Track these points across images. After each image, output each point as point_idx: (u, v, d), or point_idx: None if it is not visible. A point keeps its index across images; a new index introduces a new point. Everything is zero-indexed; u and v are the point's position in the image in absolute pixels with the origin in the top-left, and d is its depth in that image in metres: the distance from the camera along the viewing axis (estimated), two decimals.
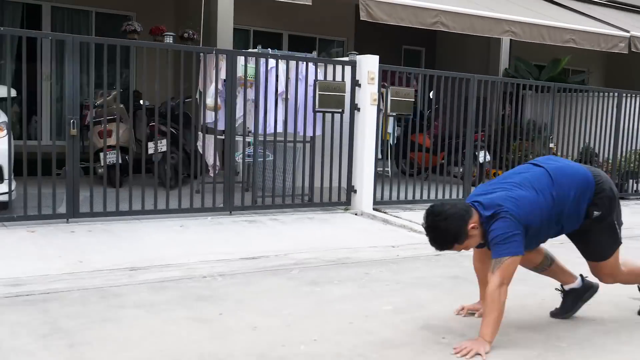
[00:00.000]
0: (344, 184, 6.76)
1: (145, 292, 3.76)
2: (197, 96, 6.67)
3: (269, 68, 6.34)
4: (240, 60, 6.30)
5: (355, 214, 6.69)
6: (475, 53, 12.07)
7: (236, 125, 6.31)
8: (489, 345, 2.88)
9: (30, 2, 9.33)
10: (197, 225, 5.69)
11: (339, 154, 6.65)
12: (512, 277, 2.92)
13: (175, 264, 4.42)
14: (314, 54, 7.09)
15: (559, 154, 8.58)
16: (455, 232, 2.89)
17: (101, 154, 7.17)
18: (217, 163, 6.97)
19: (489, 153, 8.55)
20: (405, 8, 7.50)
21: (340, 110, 6.56)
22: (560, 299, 3.45)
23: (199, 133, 6.64)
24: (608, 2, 12.21)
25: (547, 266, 3.37)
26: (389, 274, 4.43)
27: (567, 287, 3.42)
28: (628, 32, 9.62)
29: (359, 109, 6.69)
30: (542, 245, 3.26)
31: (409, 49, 13.03)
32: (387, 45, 11.67)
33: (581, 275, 3.45)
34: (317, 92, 6.40)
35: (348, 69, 6.63)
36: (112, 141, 6.85)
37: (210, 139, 6.75)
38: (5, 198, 5.31)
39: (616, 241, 3.23)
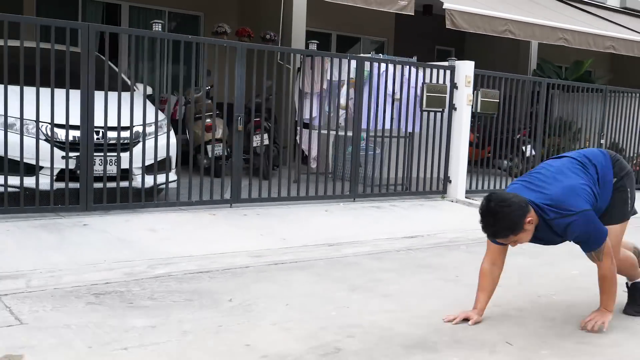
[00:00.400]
0: (441, 175, 7.78)
1: (374, 261, 4.71)
2: (296, 95, 7.50)
3: (381, 72, 7.28)
4: (352, 63, 7.18)
5: (452, 201, 7.73)
6: (505, 54, 13.20)
7: (341, 122, 7.25)
8: (610, 314, 3.22)
9: (111, 1, 9.99)
10: (336, 209, 6.62)
11: (438, 148, 7.66)
12: (616, 249, 3.20)
13: (360, 241, 5.35)
14: (415, 58, 8.04)
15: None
16: (515, 221, 2.93)
17: (208, 147, 8.02)
18: (316, 155, 7.91)
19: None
20: (482, 18, 8.55)
21: (441, 109, 7.58)
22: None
23: (298, 128, 7.40)
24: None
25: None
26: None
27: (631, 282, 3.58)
28: None
29: (455, 109, 7.72)
30: None
31: (441, 49, 14.12)
32: (422, 44, 12.77)
33: None
34: (425, 94, 7.40)
35: (447, 72, 7.63)
36: (217, 135, 7.72)
37: (312, 134, 7.62)
38: (173, 185, 6.12)
39: (624, 212, 3.33)
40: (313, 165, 7.78)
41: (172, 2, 10.35)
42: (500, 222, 2.94)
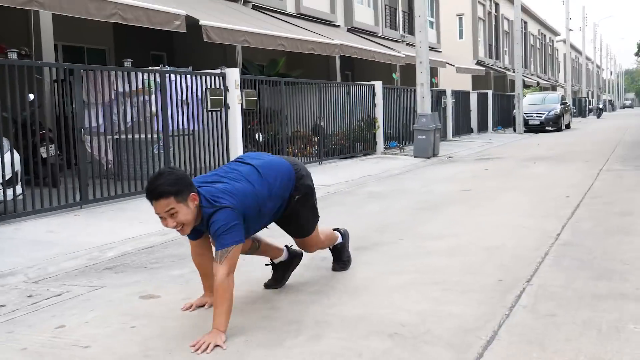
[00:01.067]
0: (223, 162, 9.77)
1: None
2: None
3: (171, 81, 8.90)
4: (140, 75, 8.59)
5: None
6: (213, 56, 15.50)
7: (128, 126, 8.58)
8: (224, 334, 2.98)
9: None
10: None
11: (221, 139, 9.62)
12: (236, 265, 3.11)
13: None
14: (190, 68, 9.72)
15: (300, 132, 12.70)
16: (180, 185, 3.01)
17: None
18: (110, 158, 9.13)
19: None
20: (227, 31, 10.70)
21: (220, 108, 9.55)
22: (272, 272, 3.89)
23: (86, 136, 8.45)
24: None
25: (257, 248, 3.73)
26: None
27: (276, 261, 3.86)
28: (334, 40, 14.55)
29: (229, 107, 9.77)
30: None
31: (155, 54, 15.76)
32: (138, 51, 14.30)
33: (286, 245, 3.91)
34: (209, 97, 9.28)
35: (220, 78, 9.61)
36: None
37: (100, 140, 8.67)
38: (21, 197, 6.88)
39: (315, 217, 3.77)
40: (107, 167, 8.91)
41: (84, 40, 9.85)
42: (168, 181, 3.00)
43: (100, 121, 8.97)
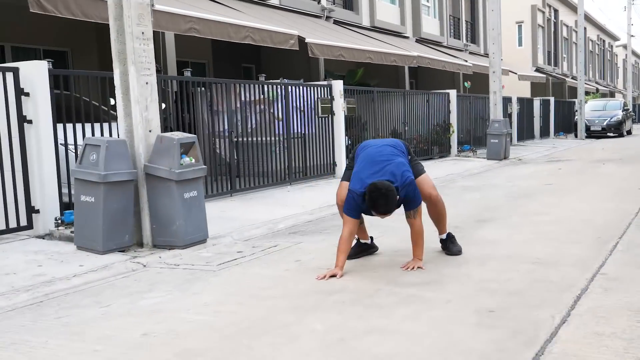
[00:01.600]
0: (330, 161, 11.56)
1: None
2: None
3: (289, 92, 10.73)
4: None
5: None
6: (298, 68, 17.37)
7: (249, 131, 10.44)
8: (421, 261, 4.61)
9: None
10: (294, 189, 9.91)
11: (328, 142, 11.41)
12: None
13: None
14: (302, 80, 11.56)
15: (380, 135, 14.40)
16: (395, 201, 4.37)
17: None
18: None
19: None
20: (331, 48, 12.51)
21: (327, 115, 11.36)
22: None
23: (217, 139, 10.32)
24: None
25: (361, 223, 4.92)
26: None
27: (362, 241, 5.13)
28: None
29: (334, 114, 11.56)
30: None
31: (245, 66, 17.73)
32: (232, 63, 16.26)
33: (371, 237, 5.19)
34: (320, 105, 11.10)
35: (327, 89, 11.42)
36: None
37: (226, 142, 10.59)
38: None
39: (423, 169, 4.92)
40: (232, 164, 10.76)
41: (41, 40, 11.96)
42: (390, 203, 4.32)
43: (226, 126, 10.89)
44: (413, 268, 4.57)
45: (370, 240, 5.26)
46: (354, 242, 4.97)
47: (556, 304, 3.61)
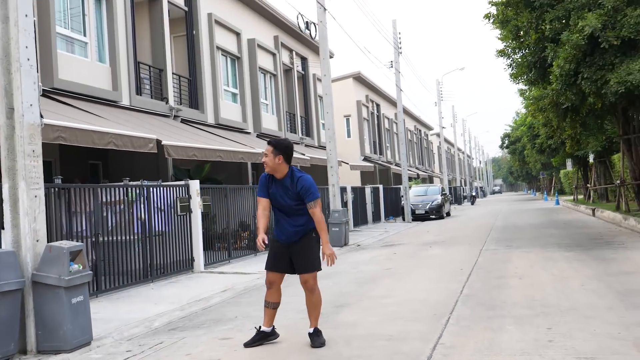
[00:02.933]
0: (187, 257, 12.21)
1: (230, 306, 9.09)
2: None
3: (147, 192, 11.39)
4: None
5: (200, 272, 12.23)
6: (147, 166, 17.90)
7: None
8: (329, 244, 5.60)
9: None
10: (159, 286, 10.41)
11: (185, 238, 12.09)
12: None
13: (197, 300, 9.56)
14: (160, 181, 12.21)
15: (229, 227, 15.40)
16: (283, 147, 5.57)
17: None
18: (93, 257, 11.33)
19: None
20: (186, 149, 13.41)
21: (185, 212, 12.09)
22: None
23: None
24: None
25: (274, 307, 5.99)
26: None
27: (263, 329, 5.94)
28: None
29: (192, 211, 12.33)
30: None
31: (92, 162, 17.95)
32: (80, 160, 16.53)
33: (273, 326, 5.97)
34: (179, 204, 11.83)
35: (184, 188, 12.21)
36: None
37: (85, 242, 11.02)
38: None
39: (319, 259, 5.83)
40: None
41: None
42: (279, 140, 5.66)
43: (84, 226, 11.21)
44: (330, 262, 5.63)
45: (272, 328, 5.94)
46: (255, 330, 5.96)
47: None
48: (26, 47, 6.38)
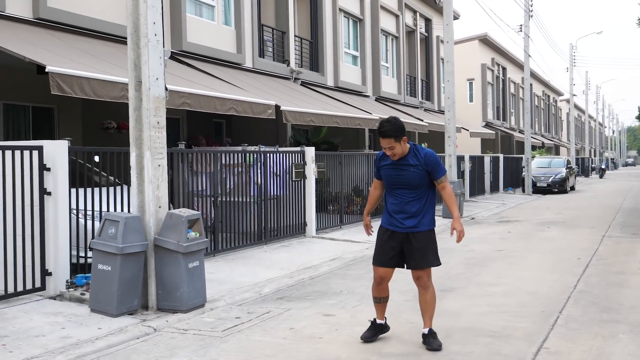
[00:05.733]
0: (301, 221, 12.53)
1: (341, 270, 9.27)
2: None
3: (264, 157, 11.72)
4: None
5: (311, 237, 12.55)
6: (267, 123, 18.32)
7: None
8: (460, 221, 5.27)
9: None
10: (271, 249, 10.83)
11: (300, 204, 12.40)
12: None
13: (314, 265, 9.80)
14: (277, 147, 12.56)
15: (343, 191, 15.54)
16: (401, 129, 5.15)
17: None
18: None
19: None
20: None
21: (300, 178, 12.38)
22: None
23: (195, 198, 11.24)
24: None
25: (383, 302, 5.67)
26: None
27: (378, 322, 5.65)
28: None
29: (306, 177, 12.59)
30: None
31: (216, 121, 18.67)
32: (205, 118, 17.16)
33: (385, 317, 5.66)
34: (294, 170, 12.12)
35: (295, 155, 12.45)
36: None
37: (205, 201, 11.49)
38: None
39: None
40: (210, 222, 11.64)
41: (30, 98, 12.62)
42: (394, 127, 5.15)
43: (206, 186, 11.77)
44: (460, 237, 5.32)
45: (384, 320, 5.64)
46: (370, 324, 5.63)
47: None
48: (154, 23, 6.69)
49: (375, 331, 5.62)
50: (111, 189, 8.26)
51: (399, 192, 5.35)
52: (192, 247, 6.82)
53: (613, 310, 6.59)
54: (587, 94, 62.81)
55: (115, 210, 8.13)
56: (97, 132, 13.44)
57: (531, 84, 46.02)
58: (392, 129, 5.19)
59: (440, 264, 5.48)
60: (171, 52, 13.25)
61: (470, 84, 38.31)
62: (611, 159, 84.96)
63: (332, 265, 9.75)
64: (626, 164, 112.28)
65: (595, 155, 77.18)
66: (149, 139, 6.75)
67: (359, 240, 12.16)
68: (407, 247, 5.37)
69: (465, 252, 10.92)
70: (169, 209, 6.98)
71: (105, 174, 8.47)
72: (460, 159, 22.53)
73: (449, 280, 8.35)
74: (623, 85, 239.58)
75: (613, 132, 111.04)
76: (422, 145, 20.74)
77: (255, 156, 11.41)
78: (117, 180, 8.35)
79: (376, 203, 5.75)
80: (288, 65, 17.77)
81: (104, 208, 8.07)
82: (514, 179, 30.53)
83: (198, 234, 6.96)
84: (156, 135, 6.82)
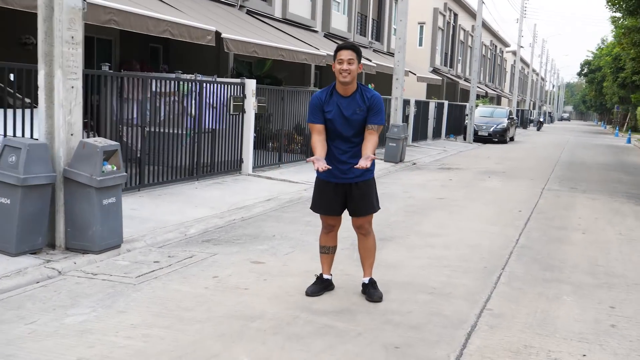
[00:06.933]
0: (236, 158, 11.80)
1: (275, 212, 8.67)
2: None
3: (199, 87, 10.85)
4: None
5: (247, 175, 11.86)
6: (207, 52, 17.25)
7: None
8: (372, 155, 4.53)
9: None
10: (202, 186, 10.11)
11: (233, 139, 11.64)
12: None
13: (247, 205, 9.16)
14: (215, 77, 11.64)
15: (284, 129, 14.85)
16: (361, 53, 4.69)
17: None
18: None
19: None
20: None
21: (238, 112, 11.57)
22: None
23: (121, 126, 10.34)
24: None
25: (331, 252, 5.17)
26: None
27: (325, 276, 5.12)
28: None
29: (245, 112, 11.79)
30: None
31: (153, 46, 17.45)
32: (139, 41, 15.99)
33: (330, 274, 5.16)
34: (232, 103, 11.29)
35: (240, 87, 11.61)
36: None
37: (135, 130, 10.54)
38: None
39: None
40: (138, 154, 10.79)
41: None
42: (355, 45, 4.72)
43: (136, 114, 10.84)
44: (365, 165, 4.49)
45: (331, 276, 5.19)
46: (315, 277, 5.14)
47: (451, 341, 4.16)
48: None
49: (322, 286, 5.10)
50: (27, 111, 7.31)
51: (342, 141, 4.78)
52: (108, 181, 6.04)
53: (556, 269, 6.23)
54: (534, 47, 63.15)
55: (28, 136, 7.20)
56: (15, 48, 12.17)
57: (481, 33, 45.72)
58: (355, 45, 4.73)
59: (380, 208, 5.04)
60: None
61: (421, 27, 37.58)
62: (549, 112, 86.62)
63: (267, 207, 9.13)
64: (562, 119, 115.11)
65: (534, 108, 78.45)
66: (61, 56, 5.84)
67: (297, 181, 11.57)
68: (349, 195, 4.89)
69: (406, 199, 10.48)
70: (87, 138, 6.15)
71: (21, 95, 7.50)
72: (406, 102, 22.02)
73: (388, 228, 7.87)
74: (568, 41, 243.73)
75: (553, 87, 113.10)
76: (369, 86, 20.20)
77: (190, 85, 10.51)
78: (33, 103, 7.38)
79: (325, 146, 4.78)
80: None
81: (19, 133, 7.15)
82: (457, 127, 30.38)
83: (115, 167, 6.17)
84: (70, 52, 5.91)
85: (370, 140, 4.68)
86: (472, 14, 42.26)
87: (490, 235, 7.73)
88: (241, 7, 17.23)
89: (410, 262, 6.24)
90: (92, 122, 9.19)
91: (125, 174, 6.40)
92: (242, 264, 5.95)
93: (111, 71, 9.11)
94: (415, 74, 27.42)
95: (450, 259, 6.44)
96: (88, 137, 9.61)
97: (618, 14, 20.26)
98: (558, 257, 6.72)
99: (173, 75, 10.44)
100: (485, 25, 48.66)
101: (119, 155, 6.24)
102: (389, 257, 6.36)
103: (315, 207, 5.03)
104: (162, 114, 10.38)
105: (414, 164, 16.92)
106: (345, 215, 4.99)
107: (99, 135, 9.36)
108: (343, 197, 4.90)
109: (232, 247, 6.64)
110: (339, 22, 23.77)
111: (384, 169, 14.75)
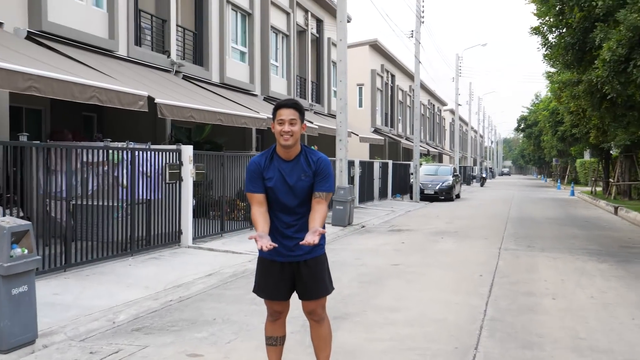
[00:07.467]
0: (175, 229, 10.97)
1: (218, 290, 7.86)
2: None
3: (132, 156, 10.09)
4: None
5: (187, 247, 11.01)
6: (144, 119, 16.55)
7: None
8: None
9: None
10: (136, 263, 9.20)
11: (171, 209, 10.84)
12: None
13: (186, 283, 8.33)
14: (149, 145, 10.90)
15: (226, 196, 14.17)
16: (304, 112, 4.06)
17: None
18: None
19: None
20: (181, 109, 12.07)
21: (175, 180, 10.82)
22: None
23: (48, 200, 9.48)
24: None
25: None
26: None
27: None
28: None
29: (182, 179, 11.05)
30: None
31: (86, 115, 16.62)
32: (73, 111, 15.18)
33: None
34: (168, 171, 10.54)
35: (176, 154, 10.90)
36: None
37: (62, 204, 9.67)
38: None
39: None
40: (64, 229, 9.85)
41: None
42: (298, 103, 4.05)
43: (64, 187, 9.95)
44: (313, 241, 3.76)
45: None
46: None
47: None
48: None
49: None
50: None
51: (286, 213, 4.11)
52: (17, 267, 5.20)
53: (535, 346, 5.62)
54: (470, 104, 64.86)
55: None
56: None
57: (419, 93, 46.62)
58: (297, 103, 4.10)
59: (334, 288, 4.34)
60: (27, 31, 11.33)
61: (360, 89, 37.93)
62: (490, 168, 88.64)
63: (208, 283, 8.32)
64: (502, 173, 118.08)
65: (475, 164, 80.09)
66: None
67: (240, 251, 10.79)
68: (297, 275, 4.17)
69: (359, 267, 9.82)
70: (17, 215, 5.31)
71: None
72: (350, 164, 21.70)
73: (342, 303, 7.16)
74: (503, 98, 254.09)
75: (491, 143, 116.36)
76: (313, 147, 19.80)
77: (121, 154, 9.75)
78: None
79: (268, 219, 4.10)
80: (169, 56, 16.09)
81: None
82: (402, 186, 30.25)
83: (27, 250, 5.33)
84: None
85: (318, 211, 4.02)
86: (409, 75, 43.09)
87: (454, 307, 7.11)
88: (177, 72, 16.66)
89: (370, 346, 5.53)
90: (16, 196, 8.33)
91: (39, 257, 5.55)
92: (177, 358, 5.12)
93: (36, 142, 8.31)
94: (357, 135, 27.29)
95: (415, 339, 5.77)
96: (11, 213, 8.74)
97: (553, 69, 20.67)
98: (534, 331, 6.13)
99: (102, 144, 9.66)
100: (422, 85, 49.75)
101: (31, 236, 5.41)
102: (346, 341, 5.64)
103: (258, 290, 4.29)
104: (92, 185, 9.57)
105: (363, 226, 16.37)
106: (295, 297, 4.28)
107: (23, 211, 8.48)
108: (291, 279, 4.19)
109: (166, 336, 5.80)
110: (279, 86, 23.51)
111: (333, 233, 14.13)
